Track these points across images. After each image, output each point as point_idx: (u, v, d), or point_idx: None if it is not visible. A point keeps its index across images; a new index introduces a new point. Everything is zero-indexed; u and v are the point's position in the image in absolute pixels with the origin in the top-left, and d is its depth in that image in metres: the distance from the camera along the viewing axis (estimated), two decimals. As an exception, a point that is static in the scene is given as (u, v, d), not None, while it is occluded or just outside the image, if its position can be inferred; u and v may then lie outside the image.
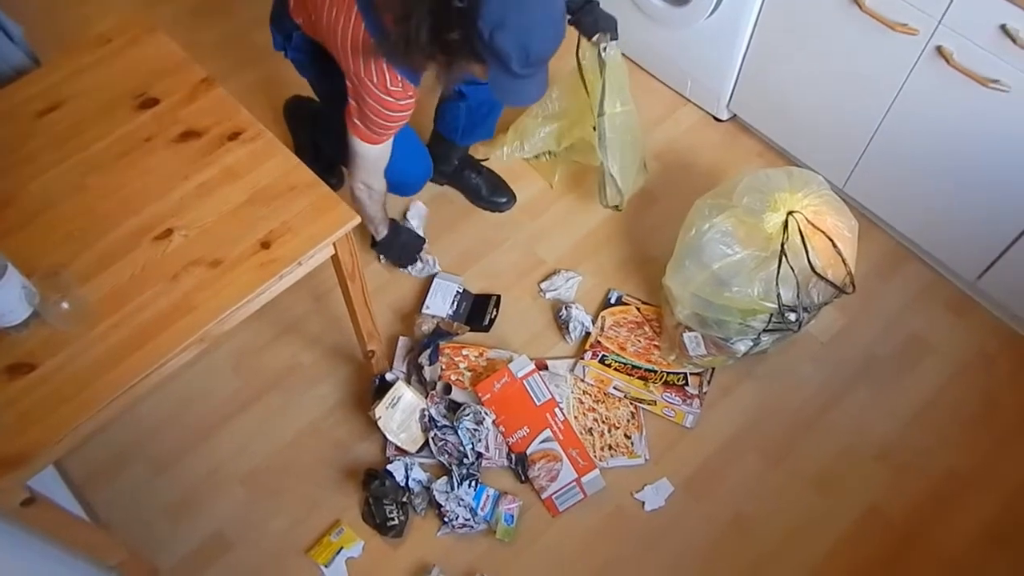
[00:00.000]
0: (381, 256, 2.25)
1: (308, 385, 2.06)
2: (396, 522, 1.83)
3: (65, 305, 1.30)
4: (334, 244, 1.50)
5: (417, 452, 1.91)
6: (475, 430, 1.90)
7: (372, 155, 1.79)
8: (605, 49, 1.94)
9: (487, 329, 2.15)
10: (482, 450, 1.90)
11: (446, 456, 1.89)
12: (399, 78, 1.61)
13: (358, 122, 1.71)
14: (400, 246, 2.19)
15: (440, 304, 2.16)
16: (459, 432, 1.89)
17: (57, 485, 1.81)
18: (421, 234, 2.28)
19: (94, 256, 1.40)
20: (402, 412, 1.90)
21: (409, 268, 2.23)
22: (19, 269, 1.27)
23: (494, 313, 2.17)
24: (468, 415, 1.91)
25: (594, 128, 2.09)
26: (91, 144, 1.53)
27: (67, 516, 1.43)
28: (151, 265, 1.40)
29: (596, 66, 1.98)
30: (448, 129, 2.22)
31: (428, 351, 2.04)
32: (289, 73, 2.55)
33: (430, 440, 1.90)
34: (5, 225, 1.43)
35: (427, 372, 2.01)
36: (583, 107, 2.13)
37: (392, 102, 1.64)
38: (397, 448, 1.92)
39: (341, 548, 1.83)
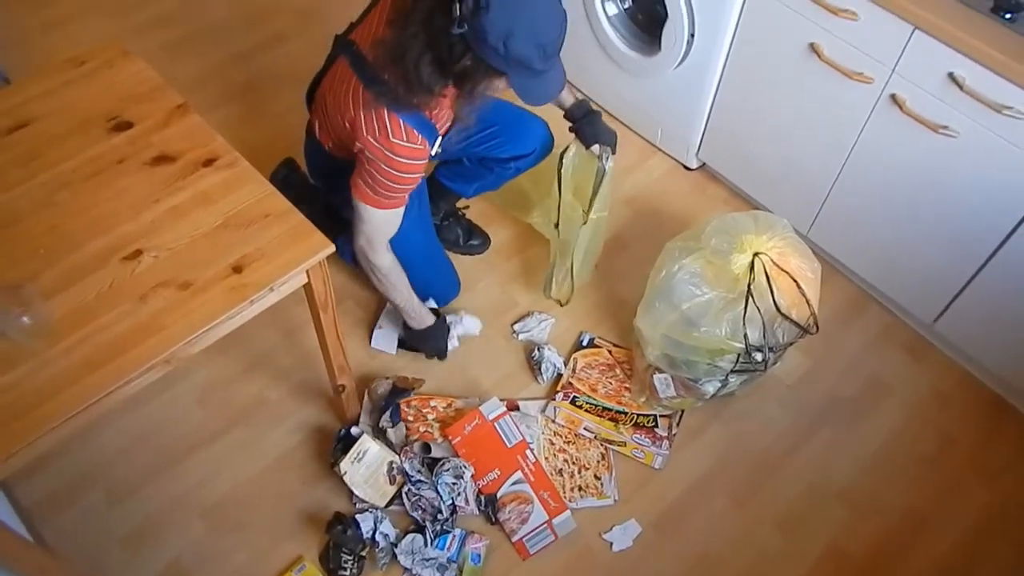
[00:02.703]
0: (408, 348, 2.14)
1: (275, 421, 2.02)
2: (347, 574, 1.78)
3: (26, 319, 1.28)
4: (307, 272, 1.50)
5: (386, 506, 1.87)
6: (454, 484, 1.87)
7: (377, 218, 1.76)
8: (607, 159, 1.99)
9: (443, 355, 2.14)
10: (461, 503, 1.87)
11: (419, 512, 1.85)
12: (402, 127, 1.62)
13: (362, 183, 1.71)
14: (435, 339, 2.09)
15: (389, 337, 2.14)
16: (438, 488, 1.85)
17: (4, 509, 1.75)
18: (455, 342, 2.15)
19: (60, 273, 1.38)
20: (367, 467, 1.86)
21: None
22: (-20, 282, 1.26)
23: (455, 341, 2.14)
24: (447, 470, 1.88)
25: (556, 225, 2.13)
26: (60, 163, 1.52)
27: (12, 535, 1.37)
28: (119, 285, 1.39)
29: (591, 174, 2.01)
30: (461, 183, 2.23)
31: (388, 412, 1.98)
32: (265, 109, 2.61)
33: (404, 495, 1.86)
34: (-34, 239, 1.41)
35: (392, 435, 1.96)
36: (544, 194, 2.19)
37: (397, 160, 1.65)
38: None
39: (302, 585, 1.78)
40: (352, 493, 1.86)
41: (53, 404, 1.25)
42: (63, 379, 1.28)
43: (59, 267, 1.39)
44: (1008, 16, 1.67)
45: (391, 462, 1.88)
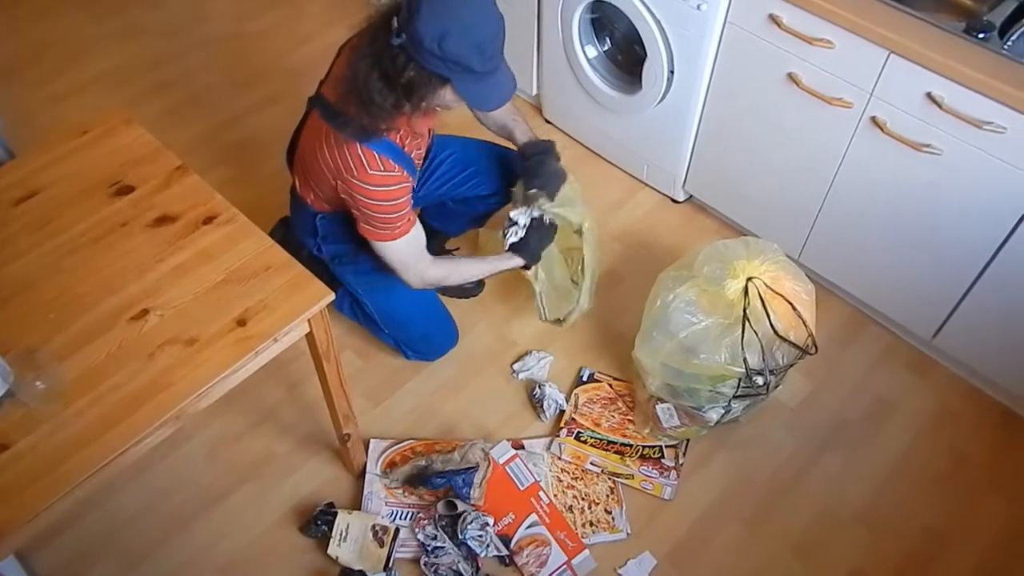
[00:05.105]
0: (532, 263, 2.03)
1: (283, 474, 2.03)
2: None
3: (40, 384, 1.30)
4: (309, 321, 1.53)
5: (384, 568, 1.85)
6: (480, 536, 1.88)
7: (399, 249, 1.79)
8: (533, 207, 1.96)
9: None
10: (494, 553, 1.88)
11: None
12: (377, 158, 1.65)
13: (365, 225, 1.75)
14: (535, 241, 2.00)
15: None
16: (468, 542, 1.86)
17: (23, 580, 1.75)
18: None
19: (70, 336, 1.41)
20: (354, 541, 1.87)
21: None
22: (-6, 348, 1.28)
23: None
24: (472, 523, 1.88)
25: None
26: (67, 229, 1.56)
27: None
28: (127, 344, 1.41)
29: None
30: (447, 223, 2.27)
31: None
32: (259, 169, 2.66)
33: (422, 566, 1.85)
34: (-20, 307, 1.44)
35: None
36: None
37: (380, 190, 1.68)
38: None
39: (319, 640, 1.77)
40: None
41: (69, 466, 1.27)
42: (78, 440, 1.29)
43: (70, 330, 1.42)
44: (981, 36, 1.72)
45: (373, 525, 1.89)
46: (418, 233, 1.82)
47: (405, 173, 1.71)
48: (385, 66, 1.53)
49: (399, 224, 1.75)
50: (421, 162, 1.89)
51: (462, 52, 1.48)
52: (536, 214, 2.00)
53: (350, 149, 1.65)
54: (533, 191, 1.97)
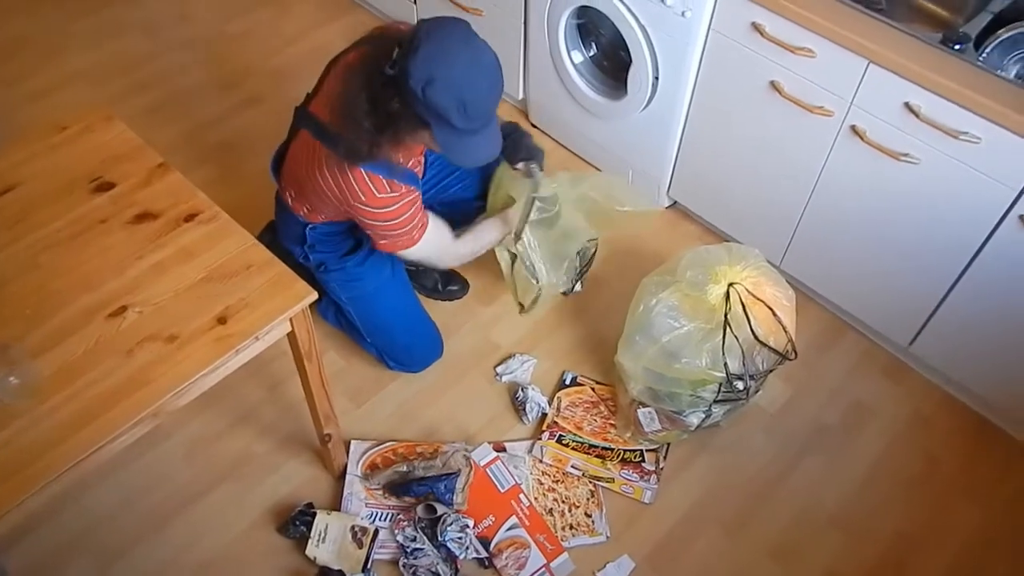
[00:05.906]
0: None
1: (262, 474, 2.02)
2: None
3: (14, 379, 1.29)
4: (291, 320, 1.52)
5: (363, 569, 1.85)
6: (460, 538, 1.87)
7: (424, 248, 1.85)
8: (536, 175, 1.97)
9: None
10: (474, 555, 1.87)
11: None
12: (384, 182, 1.66)
13: (387, 242, 1.78)
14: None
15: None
16: (447, 544, 1.85)
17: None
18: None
19: (46, 332, 1.40)
20: (333, 542, 1.86)
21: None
22: (-32, 344, 1.27)
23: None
24: (452, 525, 1.88)
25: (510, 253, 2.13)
26: (44, 225, 1.55)
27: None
28: (105, 341, 1.40)
29: (520, 190, 2.02)
30: None
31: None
32: (242, 170, 2.65)
33: (401, 568, 1.85)
34: (-46, 303, 1.42)
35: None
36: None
37: (390, 210, 1.70)
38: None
39: (296, 641, 1.76)
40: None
41: (43, 462, 1.25)
42: (52, 437, 1.28)
43: (46, 327, 1.41)
44: (957, 47, 1.75)
45: (352, 526, 1.89)
46: (436, 224, 1.87)
47: (411, 187, 1.73)
48: (375, 90, 1.53)
49: (416, 231, 1.80)
50: (422, 172, 1.89)
51: (442, 104, 1.47)
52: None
53: (355, 176, 1.65)
54: (528, 162, 1.99)
